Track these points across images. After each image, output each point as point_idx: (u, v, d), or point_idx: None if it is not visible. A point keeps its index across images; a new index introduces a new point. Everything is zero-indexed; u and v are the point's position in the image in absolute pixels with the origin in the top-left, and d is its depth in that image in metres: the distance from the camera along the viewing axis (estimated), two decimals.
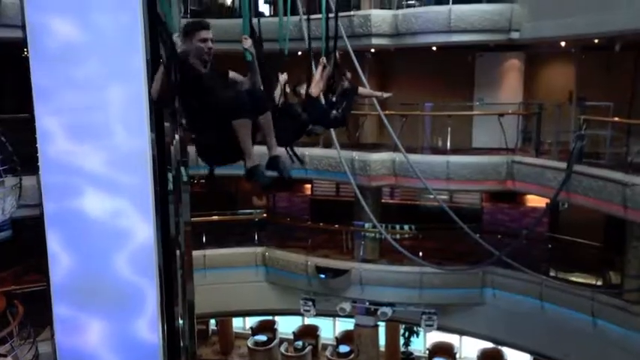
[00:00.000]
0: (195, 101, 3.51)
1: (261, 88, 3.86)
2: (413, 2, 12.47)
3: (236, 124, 3.43)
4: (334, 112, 5.41)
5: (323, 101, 5.35)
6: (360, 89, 6.16)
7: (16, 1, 8.36)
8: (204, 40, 3.56)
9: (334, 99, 5.51)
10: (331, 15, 5.87)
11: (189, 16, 12.74)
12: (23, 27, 6.14)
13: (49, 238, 5.65)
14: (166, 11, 3.20)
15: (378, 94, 7.29)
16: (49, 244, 5.63)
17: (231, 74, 3.94)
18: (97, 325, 5.95)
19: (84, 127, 5.50)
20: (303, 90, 5.29)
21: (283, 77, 4.94)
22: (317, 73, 5.45)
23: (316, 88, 5.26)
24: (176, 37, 3.26)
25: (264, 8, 14.32)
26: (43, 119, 5.47)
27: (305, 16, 7.47)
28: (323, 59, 5.52)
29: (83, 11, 5.18)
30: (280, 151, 3.91)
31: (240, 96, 3.56)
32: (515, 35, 11.10)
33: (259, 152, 3.63)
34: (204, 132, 3.60)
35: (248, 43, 3.64)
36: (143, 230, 5.86)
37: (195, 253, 9.30)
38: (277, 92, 4.82)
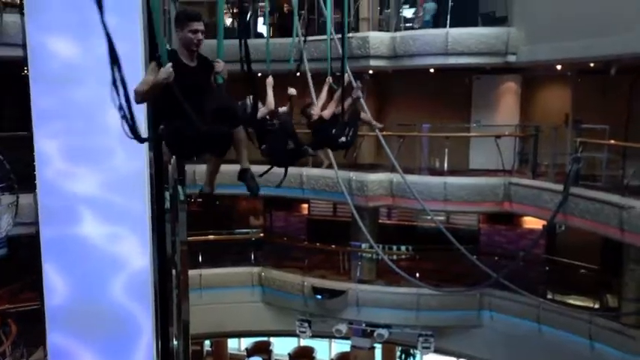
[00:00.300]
0: (177, 95, 3.35)
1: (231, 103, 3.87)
2: (411, 25, 12.58)
3: (207, 157, 3.53)
4: (343, 138, 5.35)
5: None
6: (362, 115, 6.14)
7: (17, 20, 8.40)
8: (195, 32, 3.55)
9: (334, 130, 5.42)
10: (330, 36, 5.84)
11: None
12: (24, 46, 6.18)
13: (45, 264, 5.59)
14: (161, 42, 3.20)
15: (374, 122, 7.32)
16: (45, 270, 5.56)
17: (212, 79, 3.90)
18: (90, 351, 5.90)
19: (82, 149, 5.51)
20: (314, 111, 5.23)
21: (269, 81, 4.87)
22: (323, 94, 5.40)
23: (328, 110, 5.20)
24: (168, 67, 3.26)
25: (262, 29, 14.39)
26: (41, 142, 5.47)
27: (303, 38, 7.45)
28: (329, 79, 5.46)
29: (84, 34, 5.22)
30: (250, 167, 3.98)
31: (218, 122, 3.56)
32: (511, 58, 11.19)
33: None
34: (178, 122, 3.46)
35: (220, 66, 3.65)
36: (140, 256, 5.84)
37: (191, 272, 9.25)
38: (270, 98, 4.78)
